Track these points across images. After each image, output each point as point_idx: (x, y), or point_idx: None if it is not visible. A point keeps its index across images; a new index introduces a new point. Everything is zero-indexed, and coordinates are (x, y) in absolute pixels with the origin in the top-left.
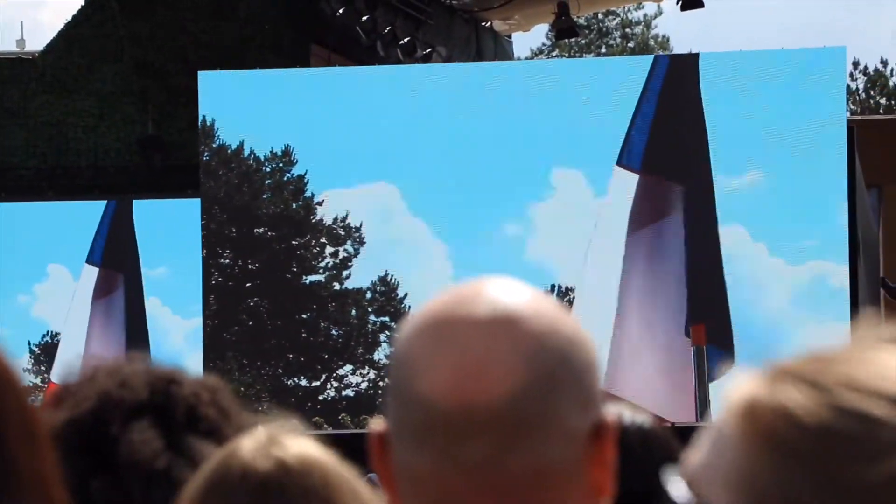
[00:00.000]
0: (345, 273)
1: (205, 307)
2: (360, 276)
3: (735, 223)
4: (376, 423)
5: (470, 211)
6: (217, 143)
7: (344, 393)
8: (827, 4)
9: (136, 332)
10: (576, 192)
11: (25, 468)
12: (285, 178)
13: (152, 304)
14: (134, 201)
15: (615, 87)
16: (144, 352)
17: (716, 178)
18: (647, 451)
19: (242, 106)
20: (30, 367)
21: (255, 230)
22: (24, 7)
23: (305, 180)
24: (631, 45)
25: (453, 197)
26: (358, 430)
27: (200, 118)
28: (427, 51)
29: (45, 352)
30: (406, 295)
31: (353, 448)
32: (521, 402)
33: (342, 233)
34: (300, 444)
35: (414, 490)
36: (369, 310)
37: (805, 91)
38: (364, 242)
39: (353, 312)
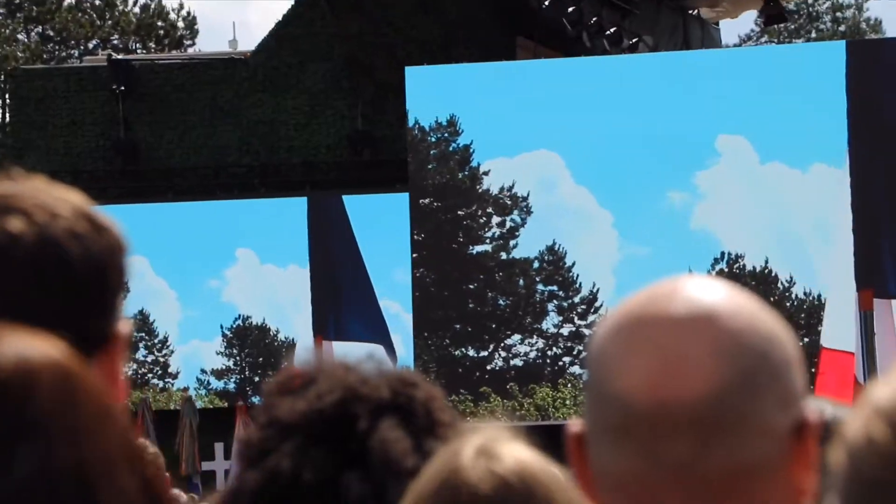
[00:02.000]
0: (512, 243)
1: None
2: (527, 246)
3: None
4: (574, 423)
5: (634, 179)
6: (423, 136)
7: (512, 363)
8: None
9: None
10: (741, 158)
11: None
12: (450, 149)
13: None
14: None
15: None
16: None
17: None
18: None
19: (448, 100)
20: (222, 349)
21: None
22: (232, 6)
23: (471, 150)
24: (842, 28)
25: (617, 165)
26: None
27: (409, 114)
28: (634, 40)
29: (237, 334)
30: (574, 264)
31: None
32: (720, 401)
33: (509, 202)
34: (517, 455)
35: (612, 490)
36: (537, 279)
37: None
38: (531, 212)
39: (521, 282)
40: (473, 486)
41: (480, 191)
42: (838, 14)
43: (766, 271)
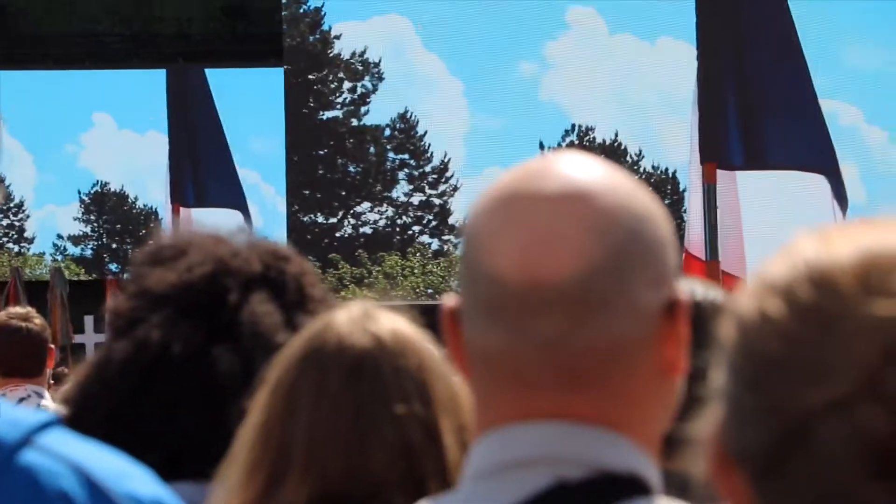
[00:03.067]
0: (363, 109)
1: None
2: (379, 113)
3: None
4: (449, 299)
5: (484, 48)
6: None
7: (361, 230)
8: None
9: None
10: (591, 29)
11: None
12: (301, 11)
13: None
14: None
15: None
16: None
17: None
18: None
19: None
20: (80, 214)
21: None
22: None
23: (322, 13)
24: None
25: (467, 33)
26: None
27: None
28: None
29: (95, 200)
30: (426, 133)
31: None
32: (590, 279)
33: (360, 68)
34: (394, 321)
35: (485, 365)
36: (388, 147)
37: None
38: (383, 78)
39: (372, 149)
40: (346, 339)
41: (332, 55)
42: None
43: (616, 144)
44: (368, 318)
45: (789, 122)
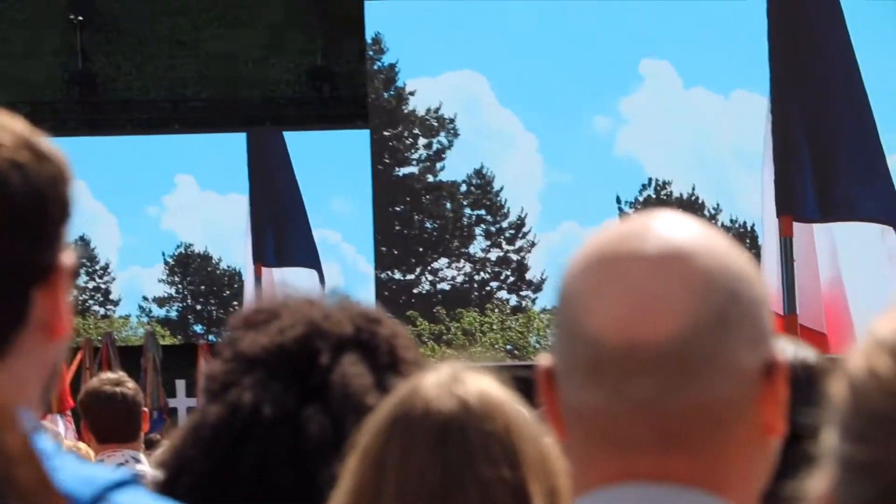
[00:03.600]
0: (439, 165)
1: None
2: (454, 169)
3: None
4: (544, 359)
5: (559, 103)
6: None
7: (439, 286)
8: None
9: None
10: (665, 83)
11: None
12: (375, 67)
13: None
14: (304, 132)
15: None
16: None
17: None
18: (814, 389)
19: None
20: (164, 276)
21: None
22: None
23: (396, 70)
24: None
25: (541, 89)
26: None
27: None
28: None
29: (179, 262)
30: (502, 188)
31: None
32: (690, 340)
33: (435, 123)
34: (482, 384)
35: (581, 426)
36: (464, 203)
37: None
38: (458, 134)
39: (448, 205)
40: (433, 403)
41: (406, 111)
42: None
43: (693, 198)
44: (456, 381)
45: (859, 175)
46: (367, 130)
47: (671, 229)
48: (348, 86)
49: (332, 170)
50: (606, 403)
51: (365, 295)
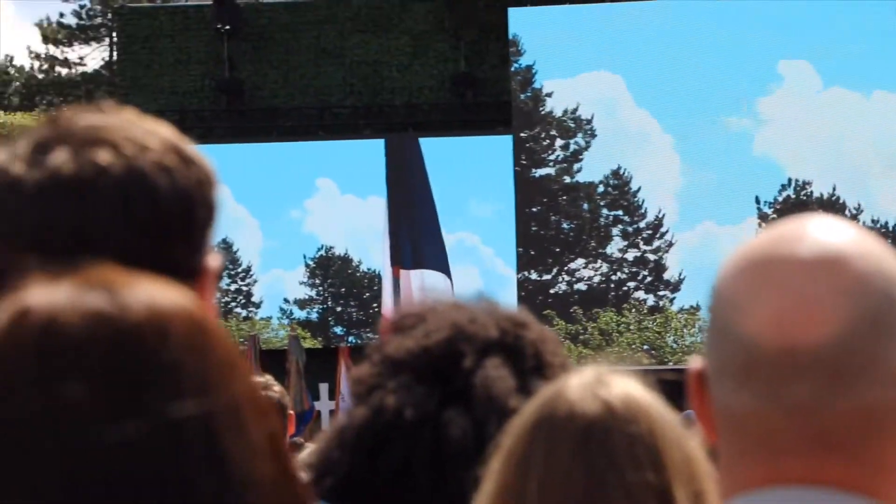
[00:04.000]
0: (576, 166)
1: None
2: (591, 170)
3: None
4: (695, 361)
5: (695, 104)
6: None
7: (576, 287)
8: None
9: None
10: (803, 82)
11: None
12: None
13: None
14: (450, 137)
15: None
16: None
17: None
18: None
19: (574, 54)
20: (305, 279)
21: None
22: None
23: (533, 71)
24: None
25: (678, 89)
26: (679, 367)
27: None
28: None
29: (320, 264)
30: (640, 189)
31: (675, 384)
32: (846, 344)
33: (573, 125)
34: (627, 387)
35: (733, 430)
36: (601, 203)
37: None
38: (595, 135)
39: (585, 206)
40: (576, 406)
41: (543, 113)
42: None
43: (834, 198)
44: (600, 383)
45: None
46: (509, 136)
47: (826, 233)
48: (491, 91)
49: (474, 174)
50: (760, 406)
51: (505, 296)
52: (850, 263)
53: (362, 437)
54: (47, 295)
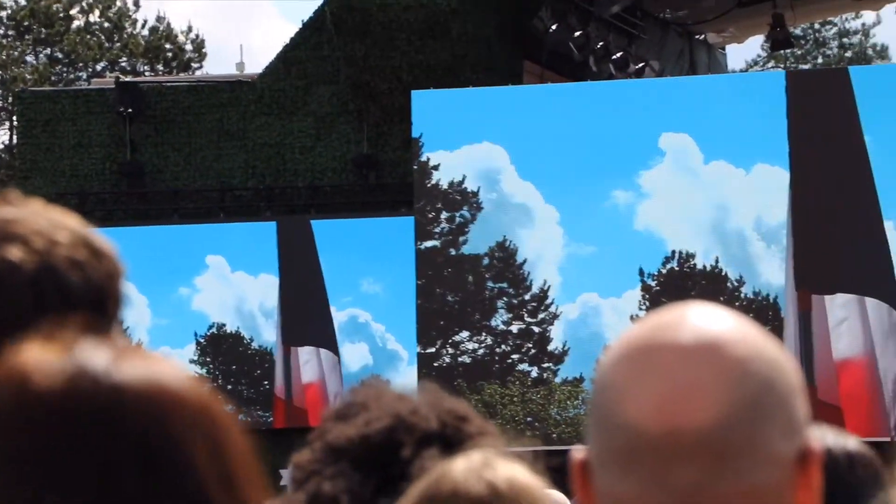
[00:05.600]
0: (461, 238)
1: None
2: (476, 242)
3: None
4: (578, 450)
5: (578, 176)
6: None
7: (460, 359)
8: None
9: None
10: (685, 156)
11: None
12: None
13: None
14: (351, 219)
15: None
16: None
17: None
18: (854, 475)
19: (459, 127)
20: (196, 357)
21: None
22: (239, 30)
23: (420, 143)
24: (848, 54)
25: (561, 162)
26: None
27: (414, 136)
28: (640, 65)
29: (211, 342)
30: (525, 261)
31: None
32: (727, 428)
33: (458, 198)
34: (512, 469)
35: None
36: (486, 276)
37: None
38: (481, 208)
39: (470, 278)
40: (460, 486)
41: (430, 185)
42: (845, 40)
43: (717, 271)
44: (486, 465)
45: (860, 250)
46: (411, 217)
47: (705, 320)
48: (394, 173)
49: (373, 253)
50: (645, 492)
51: (399, 370)
52: (730, 348)
53: None
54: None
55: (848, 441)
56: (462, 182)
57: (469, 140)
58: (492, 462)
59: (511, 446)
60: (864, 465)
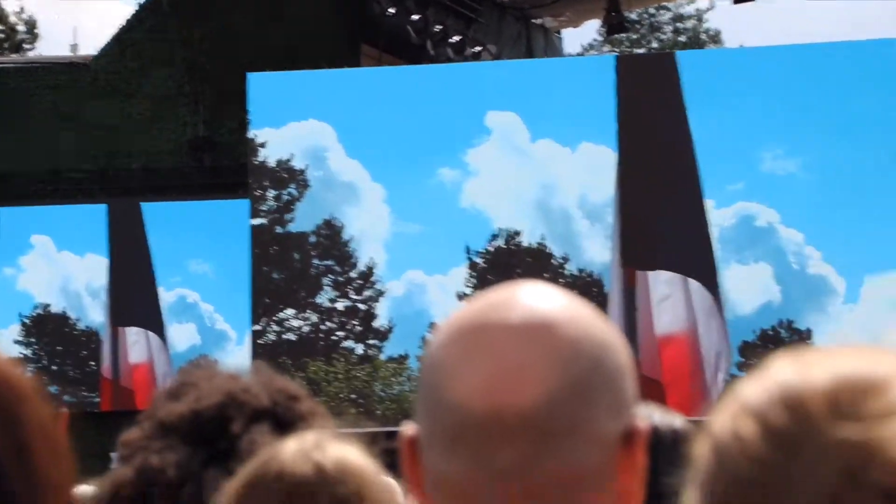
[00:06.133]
0: (287, 216)
1: None
2: (303, 220)
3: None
4: (407, 428)
5: (405, 154)
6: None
7: (284, 336)
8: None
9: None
10: (511, 134)
11: (49, 478)
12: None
13: None
14: (186, 202)
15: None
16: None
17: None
18: (679, 454)
19: (290, 106)
20: (21, 338)
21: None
22: (72, 11)
23: (247, 120)
24: (682, 39)
25: (388, 140)
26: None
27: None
28: (477, 49)
29: (36, 323)
30: (351, 238)
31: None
32: (553, 408)
33: (286, 175)
34: (343, 451)
35: (444, 495)
36: (312, 253)
37: (878, 84)
38: (309, 186)
39: (296, 256)
40: (286, 467)
41: (257, 163)
42: (679, 25)
43: (542, 248)
44: (317, 447)
45: (681, 230)
46: (247, 200)
47: (536, 299)
48: (230, 155)
49: (209, 235)
50: (470, 470)
51: (222, 353)
52: (560, 328)
53: (126, 497)
54: None
55: (674, 420)
56: (289, 160)
57: (295, 118)
58: (323, 444)
59: (349, 427)
60: (689, 444)
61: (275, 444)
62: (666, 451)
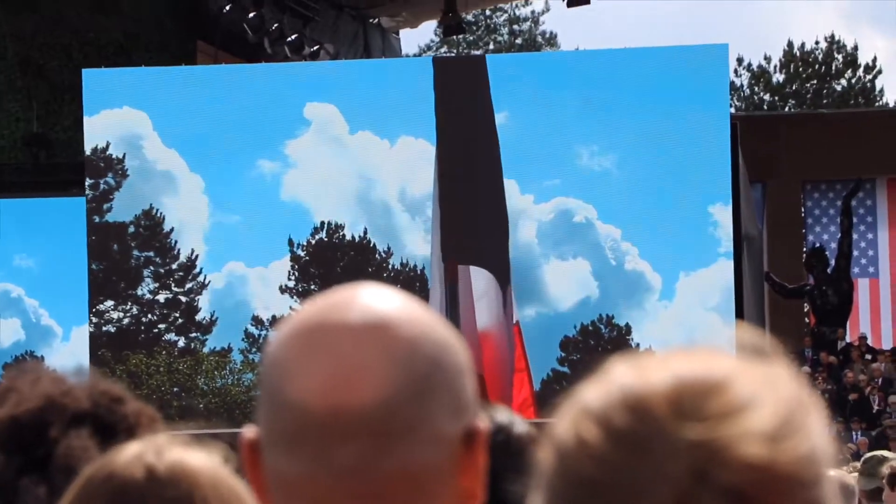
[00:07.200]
0: (105, 206)
1: None
2: (122, 210)
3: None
4: (248, 430)
5: (224, 145)
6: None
7: (104, 329)
8: (713, 3)
9: None
10: (330, 126)
11: None
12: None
13: None
14: (15, 199)
15: None
16: None
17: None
18: (521, 455)
19: (125, 103)
20: None
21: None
22: None
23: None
24: (518, 41)
25: (205, 130)
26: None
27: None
28: (315, 48)
29: None
30: (172, 230)
31: None
32: (392, 407)
33: (102, 165)
34: (181, 454)
35: (286, 496)
36: (132, 244)
37: (687, 88)
38: (127, 175)
39: (115, 247)
40: (117, 470)
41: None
42: (515, 27)
43: (366, 242)
44: (155, 450)
45: (489, 225)
46: (83, 198)
47: (375, 300)
48: (66, 152)
49: (34, 228)
50: (310, 470)
51: (48, 349)
52: (398, 329)
53: None
54: None
55: (517, 422)
56: (106, 149)
57: (108, 105)
58: (163, 447)
59: (204, 429)
60: (531, 445)
61: (110, 449)
62: (509, 453)
